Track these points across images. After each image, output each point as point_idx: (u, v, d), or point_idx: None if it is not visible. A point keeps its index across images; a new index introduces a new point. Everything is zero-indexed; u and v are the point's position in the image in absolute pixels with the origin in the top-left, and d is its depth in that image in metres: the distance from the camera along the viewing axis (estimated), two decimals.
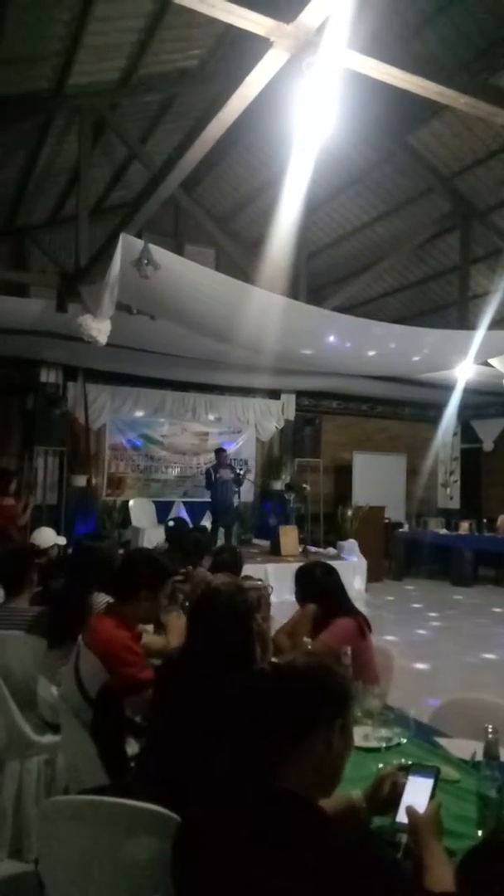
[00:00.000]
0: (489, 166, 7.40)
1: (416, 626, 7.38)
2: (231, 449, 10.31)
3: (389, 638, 6.22)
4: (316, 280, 9.52)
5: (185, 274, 5.45)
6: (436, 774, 1.49)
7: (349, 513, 9.74)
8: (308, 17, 2.78)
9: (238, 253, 7.32)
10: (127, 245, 4.71)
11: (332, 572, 2.88)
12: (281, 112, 3.66)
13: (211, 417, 10.50)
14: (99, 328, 5.26)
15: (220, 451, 9.15)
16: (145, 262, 4.61)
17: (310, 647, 2.53)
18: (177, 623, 2.74)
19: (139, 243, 4.72)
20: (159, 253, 4.84)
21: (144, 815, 1.44)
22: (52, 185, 7.76)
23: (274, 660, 1.31)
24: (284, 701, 1.22)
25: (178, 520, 6.77)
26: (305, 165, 4.63)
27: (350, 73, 3.28)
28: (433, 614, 8.06)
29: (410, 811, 1.39)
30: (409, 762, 1.82)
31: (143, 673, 2.22)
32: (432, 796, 1.45)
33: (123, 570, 2.53)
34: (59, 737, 2.47)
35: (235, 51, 4.20)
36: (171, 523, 5.52)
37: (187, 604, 3.30)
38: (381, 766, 1.83)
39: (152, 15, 5.20)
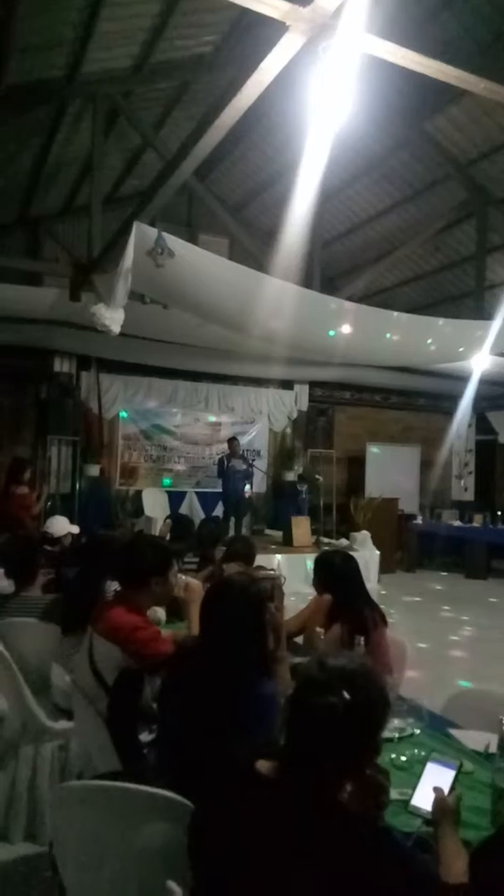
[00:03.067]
0: None
1: (428, 618, 7.36)
2: (245, 439, 10.31)
3: (401, 629, 6.21)
4: (330, 269, 9.45)
5: (199, 263, 5.42)
6: (458, 767, 1.50)
7: (362, 504, 9.71)
8: (325, 0, 2.73)
9: (252, 242, 7.27)
10: (140, 234, 4.69)
11: (352, 561, 2.89)
12: (296, 98, 3.61)
13: (212, 418, 10.45)
14: (112, 317, 5.26)
15: (232, 441, 9.15)
16: (160, 250, 4.60)
17: (322, 637, 2.52)
18: (196, 593, 2.74)
19: (153, 232, 4.70)
20: (173, 241, 4.83)
21: (158, 801, 1.45)
22: (65, 173, 7.74)
23: (324, 660, 1.23)
24: (365, 728, 1.18)
25: (179, 515, 6.79)
26: (320, 152, 4.57)
27: (366, 59, 3.22)
28: (446, 606, 8.03)
29: (439, 795, 1.40)
30: (422, 752, 1.83)
31: (164, 646, 2.24)
32: (452, 788, 1.46)
33: (129, 560, 2.51)
34: (73, 723, 2.50)
35: (250, 36, 4.15)
36: (168, 521, 5.52)
37: None
38: (393, 756, 1.83)
39: (166, 0, 5.15)
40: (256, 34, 3.36)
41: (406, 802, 1.53)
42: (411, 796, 1.52)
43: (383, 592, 8.19)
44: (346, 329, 6.89)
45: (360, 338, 7.20)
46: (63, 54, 5.49)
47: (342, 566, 2.84)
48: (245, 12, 3.02)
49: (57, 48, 5.39)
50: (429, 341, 7.51)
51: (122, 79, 6.14)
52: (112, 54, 5.74)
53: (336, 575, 2.79)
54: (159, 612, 2.93)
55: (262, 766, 1.19)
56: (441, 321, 7.26)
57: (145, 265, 4.80)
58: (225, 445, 9.41)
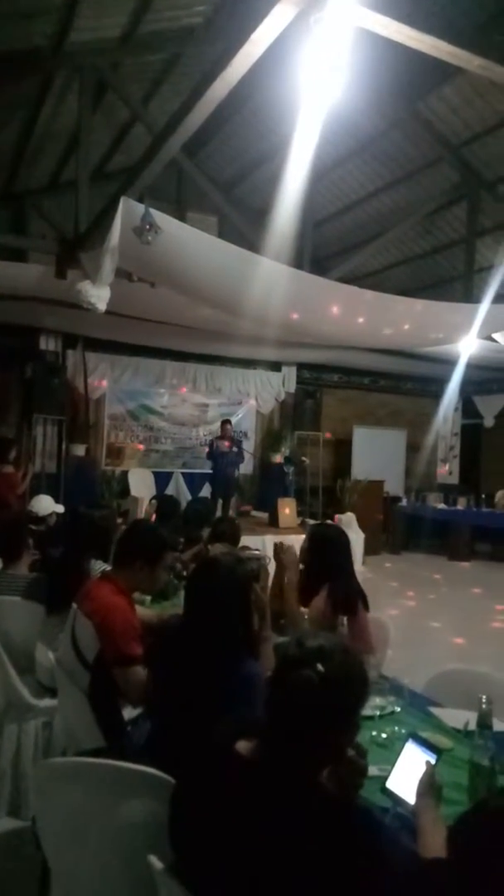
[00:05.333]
0: (499, 136, 7.23)
1: (412, 598, 7.45)
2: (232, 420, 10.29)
3: (385, 610, 6.28)
4: (320, 250, 9.38)
5: (187, 241, 5.35)
6: (438, 755, 1.52)
7: (348, 486, 9.75)
8: None
9: (242, 221, 7.18)
10: (127, 210, 4.61)
11: (345, 535, 2.97)
12: (288, 74, 3.54)
13: (201, 398, 10.40)
14: (98, 295, 5.19)
15: (224, 423, 9.13)
16: (147, 226, 4.52)
17: (306, 616, 2.54)
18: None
19: (140, 207, 4.62)
20: (160, 218, 4.75)
21: (140, 777, 1.46)
22: (51, 148, 7.58)
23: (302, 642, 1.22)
24: (337, 707, 1.17)
25: (164, 496, 6.78)
26: (312, 130, 4.50)
27: (358, 34, 3.16)
28: (429, 588, 8.13)
29: (428, 770, 1.42)
30: (402, 730, 1.85)
31: (130, 648, 2.16)
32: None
33: (123, 538, 2.52)
34: (57, 700, 2.50)
35: (241, 7, 4.04)
36: (154, 501, 5.51)
37: (185, 573, 3.32)
38: (374, 733, 1.85)
39: None
40: (247, 5, 3.28)
41: (384, 779, 1.55)
42: (388, 776, 1.54)
43: (368, 574, 8.26)
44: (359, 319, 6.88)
45: (361, 323, 7.19)
46: (49, 23, 5.33)
47: (337, 536, 2.91)
48: None
49: (42, 16, 5.24)
50: (429, 324, 7.49)
51: (109, 50, 5.98)
52: (99, 24, 5.59)
53: (331, 541, 2.84)
54: None
55: (243, 746, 1.19)
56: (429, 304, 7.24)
57: (132, 242, 4.72)
58: (212, 427, 9.38)
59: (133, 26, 5.76)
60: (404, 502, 10.95)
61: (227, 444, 8.79)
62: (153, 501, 5.66)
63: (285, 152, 5.25)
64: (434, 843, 1.23)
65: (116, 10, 5.49)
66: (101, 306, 5.31)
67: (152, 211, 4.66)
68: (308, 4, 2.79)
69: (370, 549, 9.35)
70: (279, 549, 2.81)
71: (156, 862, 1.23)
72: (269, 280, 5.88)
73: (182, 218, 7.66)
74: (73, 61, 5.88)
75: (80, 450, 9.09)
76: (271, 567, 2.95)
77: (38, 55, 5.73)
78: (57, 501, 5.42)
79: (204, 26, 6.14)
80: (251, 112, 7.93)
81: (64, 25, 5.34)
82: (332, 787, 1.21)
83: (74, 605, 2.35)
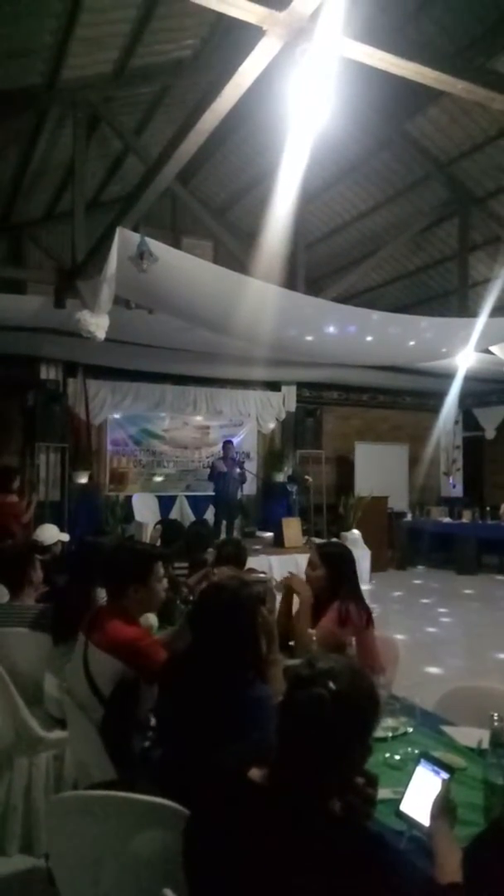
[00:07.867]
0: (487, 152, 7.34)
1: (420, 615, 7.39)
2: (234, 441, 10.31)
3: (394, 627, 6.23)
4: (314, 270, 9.48)
5: (182, 267, 5.42)
6: (452, 774, 1.51)
7: (352, 503, 9.73)
8: (301, 4, 2.74)
9: (236, 245, 7.28)
10: (124, 239, 4.68)
11: (350, 552, 3.00)
12: (276, 102, 3.62)
13: (199, 418, 10.44)
14: (97, 323, 5.25)
15: (226, 444, 9.14)
16: (143, 255, 4.59)
17: (315, 637, 2.53)
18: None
19: (136, 237, 4.70)
20: (156, 246, 4.82)
21: (153, 808, 1.45)
22: (47, 180, 7.71)
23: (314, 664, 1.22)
24: (348, 730, 1.17)
25: (169, 520, 6.77)
26: (301, 155, 4.58)
27: (345, 61, 3.24)
28: (438, 603, 8.07)
29: (442, 793, 1.40)
30: (415, 751, 1.84)
31: (163, 654, 2.22)
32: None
33: (109, 568, 2.48)
34: (67, 732, 2.48)
35: (229, 40, 4.14)
36: (158, 526, 5.51)
37: (191, 596, 3.31)
38: (387, 755, 1.84)
39: (144, 5, 5.15)
40: (235, 38, 3.37)
41: (398, 802, 1.54)
42: (402, 798, 1.52)
43: (376, 592, 8.21)
44: (335, 328, 6.93)
45: (351, 337, 7.24)
46: (42, 60, 5.47)
47: (348, 555, 2.94)
48: (223, 15, 3.03)
49: (35, 55, 5.37)
50: (426, 339, 7.53)
51: (102, 84, 6.12)
52: (92, 60, 5.72)
53: (340, 559, 2.87)
54: (151, 618, 2.91)
55: (255, 773, 1.19)
56: (424, 321, 7.30)
57: (129, 270, 4.79)
58: (213, 448, 9.38)
59: (124, 61, 5.89)
60: (409, 517, 10.91)
61: (230, 463, 8.79)
62: (158, 526, 5.65)
63: (276, 176, 5.34)
64: (450, 865, 1.21)
65: (107, 45, 5.63)
66: (101, 334, 5.37)
67: (148, 239, 4.73)
68: (294, 37, 2.86)
69: (376, 566, 9.31)
70: (289, 580, 2.85)
71: (170, 895, 1.22)
72: (264, 302, 5.94)
73: (177, 244, 7.78)
74: (67, 97, 6.01)
75: (83, 477, 9.10)
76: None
77: (32, 92, 5.87)
78: (62, 529, 5.42)
79: (193, 58, 6.29)
80: (242, 138, 8.08)
81: (57, 63, 5.48)
82: (342, 816, 1.20)
83: (84, 637, 2.33)
